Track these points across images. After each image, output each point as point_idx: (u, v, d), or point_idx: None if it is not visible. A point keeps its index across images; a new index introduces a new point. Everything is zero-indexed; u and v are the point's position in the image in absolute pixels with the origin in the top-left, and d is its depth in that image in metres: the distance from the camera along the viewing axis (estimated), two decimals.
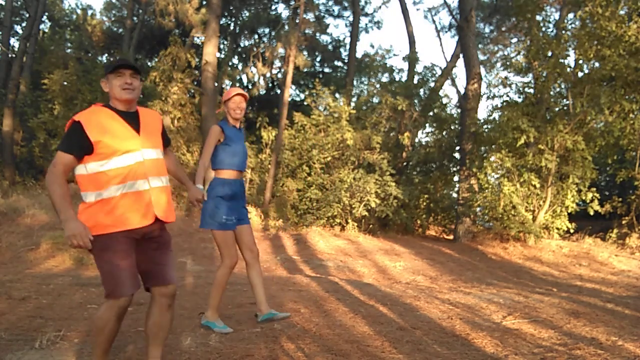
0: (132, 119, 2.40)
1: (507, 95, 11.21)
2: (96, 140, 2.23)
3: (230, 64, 17.37)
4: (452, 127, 13.09)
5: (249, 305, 4.10)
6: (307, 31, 16.63)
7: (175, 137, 12.21)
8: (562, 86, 10.62)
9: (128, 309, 3.83)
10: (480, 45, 18.93)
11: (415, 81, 13.78)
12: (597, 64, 9.79)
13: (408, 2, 23.87)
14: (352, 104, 14.47)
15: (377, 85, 14.79)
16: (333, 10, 20.16)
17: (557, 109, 10.47)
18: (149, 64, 18.53)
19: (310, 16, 17.57)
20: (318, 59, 21.08)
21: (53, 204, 2.21)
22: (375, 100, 14.19)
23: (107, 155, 2.26)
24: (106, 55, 18.73)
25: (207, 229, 3.37)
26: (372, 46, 43.60)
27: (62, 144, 2.26)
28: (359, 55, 19.19)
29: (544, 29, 10.57)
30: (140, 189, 2.34)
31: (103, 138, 2.25)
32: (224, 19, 17.94)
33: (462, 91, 11.89)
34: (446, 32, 20.76)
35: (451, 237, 11.83)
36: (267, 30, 19.42)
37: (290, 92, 16.23)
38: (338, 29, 45.32)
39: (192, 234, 8.84)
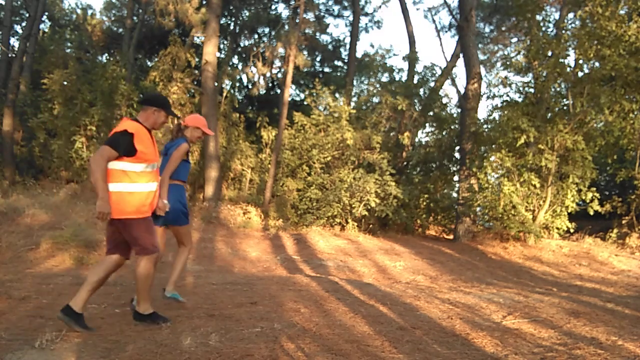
0: (151, 136, 3.33)
1: (507, 95, 11.21)
2: (139, 149, 3.16)
3: (230, 63, 17.34)
4: (452, 127, 13.08)
5: (249, 305, 4.10)
6: (307, 31, 16.62)
7: None
8: (562, 86, 10.62)
9: (128, 309, 3.85)
10: (480, 45, 18.94)
11: (415, 81, 13.78)
12: (597, 64, 9.78)
13: (408, 2, 23.85)
14: (352, 104, 14.47)
15: (377, 85, 14.79)
16: (333, 10, 20.15)
17: (557, 108, 10.46)
18: (148, 63, 18.52)
19: (310, 16, 17.55)
20: (318, 58, 21.06)
21: (95, 183, 3.05)
22: (375, 100, 14.20)
23: (143, 160, 3.19)
24: (106, 54, 18.72)
25: (184, 225, 4.01)
26: (372, 46, 43.63)
27: (112, 142, 3.09)
28: (359, 55, 19.18)
29: (544, 28, 10.57)
30: (153, 189, 3.32)
31: (143, 149, 3.18)
32: (224, 19, 17.93)
33: (462, 91, 11.89)
34: (446, 31, 20.74)
35: (451, 236, 11.83)
36: (267, 30, 19.40)
37: (290, 91, 16.23)
38: (338, 28, 45.37)
39: (192, 235, 8.84)
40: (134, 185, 3.15)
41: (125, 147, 3.09)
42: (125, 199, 3.13)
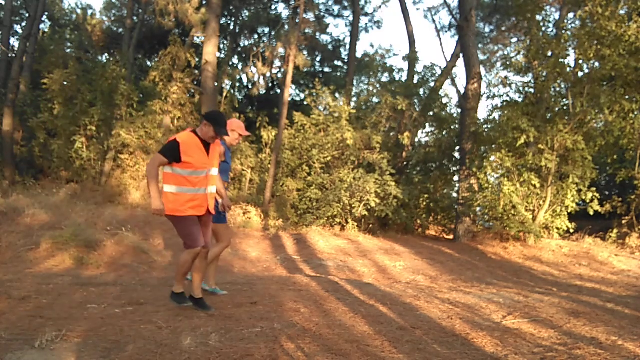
0: (207, 147, 3.72)
1: (507, 95, 11.20)
2: (184, 157, 3.58)
3: (230, 63, 17.34)
4: (452, 127, 13.08)
5: (249, 305, 4.10)
6: (307, 31, 16.61)
7: None
8: (562, 86, 10.62)
9: (128, 309, 3.85)
10: (480, 45, 18.93)
11: (415, 81, 13.77)
12: (597, 64, 9.78)
13: (408, 2, 23.83)
14: (352, 104, 14.46)
15: (377, 85, 14.78)
16: (333, 10, 20.14)
17: (557, 108, 10.46)
18: (148, 63, 18.52)
19: (310, 16, 17.55)
20: (318, 58, 21.04)
21: (148, 186, 3.59)
22: (375, 100, 14.18)
23: (188, 167, 3.61)
24: (106, 54, 18.72)
25: (222, 223, 4.39)
26: (372, 46, 43.68)
27: (162, 150, 3.58)
28: (359, 55, 19.17)
29: (544, 28, 10.56)
30: (201, 192, 3.71)
31: (188, 157, 3.58)
32: (224, 19, 17.91)
33: (462, 91, 11.89)
34: (446, 31, 20.73)
35: (451, 236, 11.83)
36: (267, 30, 19.39)
37: (290, 91, 16.22)
38: (338, 28, 45.31)
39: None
40: (179, 187, 3.61)
41: (172, 154, 3.54)
42: (170, 198, 3.61)
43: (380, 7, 29.36)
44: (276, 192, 12.14)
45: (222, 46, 18.66)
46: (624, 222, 11.09)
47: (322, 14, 19.57)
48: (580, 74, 10.11)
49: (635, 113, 9.57)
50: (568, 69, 10.06)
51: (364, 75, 18.68)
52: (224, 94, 14.75)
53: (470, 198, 10.43)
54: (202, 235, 3.73)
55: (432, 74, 13.58)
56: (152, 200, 3.55)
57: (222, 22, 16.92)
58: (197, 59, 13.64)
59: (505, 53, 17.76)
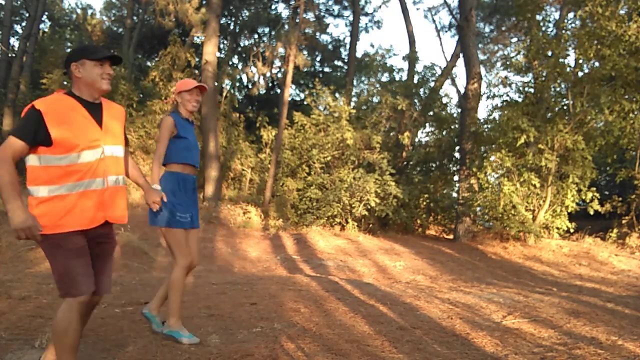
0: (96, 111, 2.23)
1: (507, 95, 11.22)
2: (56, 133, 2.06)
3: (230, 63, 17.37)
4: (452, 127, 13.09)
5: (248, 305, 4.10)
6: (307, 31, 16.61)
7: None
8: (562, 86, 10.62)
9: (128, 309, 3.84)
10: (480, 45, 18.95)
11: (415, 81, 13.77)
12: (597, 64, 9.79)
13: (408, 2, 23.86)
14: (352, 104, 14.47)
15: (377, 85, 14.79)
16: (333, 10, 20.17)
17: (557, 108, 10.46)
18: (148, 63, 18.53)
19: (310, 16, 17.57)
20: (318, 58, 21.08)
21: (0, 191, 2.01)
22: (375, 100, 14.19)
23: (66, 149, 2.09)
24: None
25: (157, 226, 3.04)
26: (372, 46, 43.81)
27: (17, 129, 2.09)
28: (359, 54, 19.20)
29: (544, 28, 10.57)
30: (98, 187, 2.20)
31: (63, 131, 2.08)
32: (223, 19, 17.94)
33: (462, 91, 11.89)
34: (446, 31, 20.77)
35: (451, 236, 11.83)
36: (267, 30, 19.43)
37: (290, 91, 16.23)
38: (338, 28, 45.46)
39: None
40: (54, 187, 2.12)
41: (31, 131, 2.06)
42: (41, 209, 2.10)
43: (380, 7, 29.48)
44: (276, 192, 12.15)
45: (222, 46, 18.69)
46: (624, 222, 11.10)
47: (322, 14, 19.61)
48: (580, 74, 10.12)
49: (635, 113, 9.58)
50: (568, 69, 10.07)
51: (364, 75, 18.71)
52: (224, 94, 14.76)
53: (470, 198, 10.43)
54: (90, 274, 2.17)
55: (432, 73, 13.60)
56: (10, 214, 1.99)
57: (222, 22, 16.93)
58: (197, 59, 13.66)
59: (505, 53, 17.78)
